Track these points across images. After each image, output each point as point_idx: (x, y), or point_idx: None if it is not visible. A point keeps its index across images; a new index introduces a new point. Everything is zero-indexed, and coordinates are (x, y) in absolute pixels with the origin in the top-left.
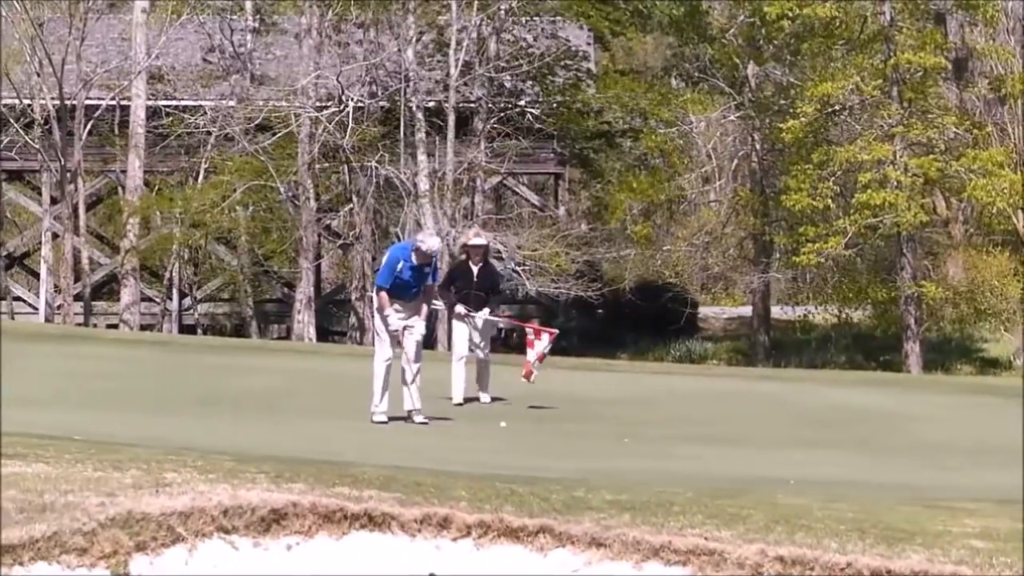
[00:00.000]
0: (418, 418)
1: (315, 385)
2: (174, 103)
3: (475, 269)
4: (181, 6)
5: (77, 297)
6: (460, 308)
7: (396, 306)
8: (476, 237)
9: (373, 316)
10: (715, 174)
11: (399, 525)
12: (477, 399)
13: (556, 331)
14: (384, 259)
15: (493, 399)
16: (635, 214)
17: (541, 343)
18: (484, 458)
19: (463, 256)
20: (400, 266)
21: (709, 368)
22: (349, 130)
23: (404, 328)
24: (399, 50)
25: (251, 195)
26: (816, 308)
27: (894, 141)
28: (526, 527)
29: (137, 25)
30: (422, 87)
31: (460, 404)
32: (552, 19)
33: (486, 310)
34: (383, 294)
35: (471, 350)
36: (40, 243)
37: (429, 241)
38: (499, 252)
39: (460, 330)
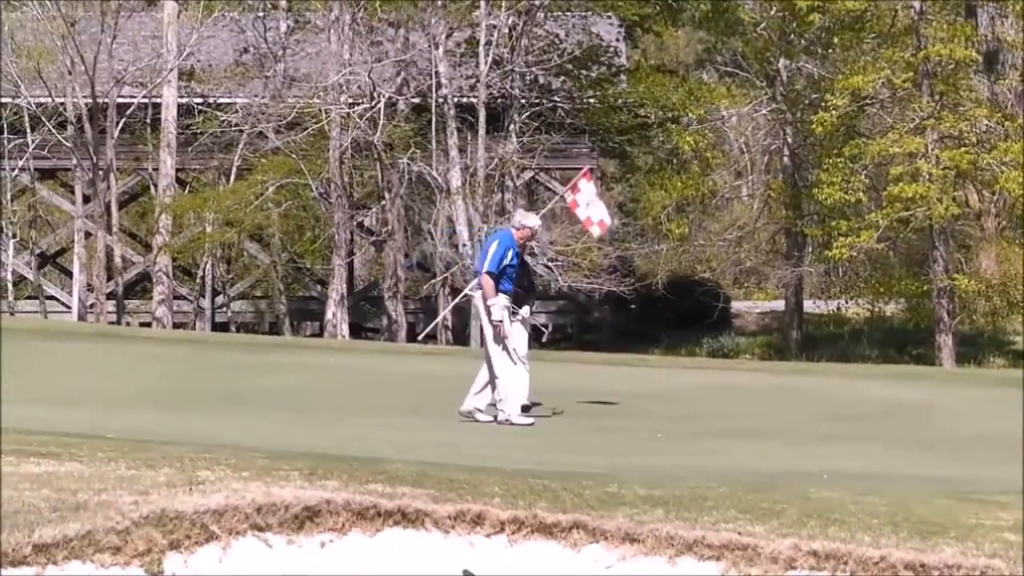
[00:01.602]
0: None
1: (349, 382)
2: (206, 100)
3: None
4: (213, 4)
5: (110, 295)
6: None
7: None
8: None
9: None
10: (747, 168)
11: (432, 522)
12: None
13: (585, 168)
14: (491, 246)
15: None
16: (669, 211)
17: (585, 191)
18: (518, 454)
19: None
20: (509, 253)
21: (742, 363)
22: (380, 126)
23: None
24: (430, 47)
25: (284, 193)
26: (848, 302)
27: (925, 134)
28: (559, 523)
29: (169, 23)
30: (454, 83)
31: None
32: (583, 14)
33: (526, 308)
34: (490, 279)
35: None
36: (73, 241)
37: (531, 217)
38: (532, 248)
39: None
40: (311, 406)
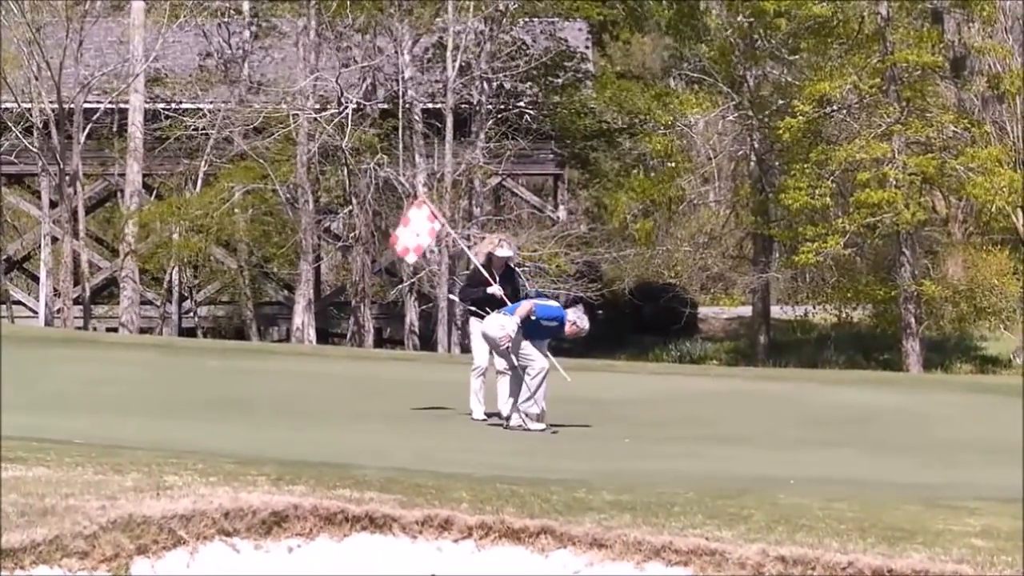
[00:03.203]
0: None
1: (319, 387)
2: (173, 106)
3: (497, 277)
4: (179, 9)
5: (77, 301)
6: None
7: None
8: (509, 248)
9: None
10: (714, 174)
11: (400, 527)
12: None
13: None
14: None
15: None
16: (635, 214)
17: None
18: (489, 459)
19: (486, 262)
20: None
21: (709, 368)
22: (348, 132)
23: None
24: (396, 52)
25: (250, 198)
26: (815, 307)
27: (892, 140)
28: (527, 528)
29: (135, 28)
30: (420, 89)
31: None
32: (551, 20)
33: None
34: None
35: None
36: (39, 247)
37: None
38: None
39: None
40: (282, 411)
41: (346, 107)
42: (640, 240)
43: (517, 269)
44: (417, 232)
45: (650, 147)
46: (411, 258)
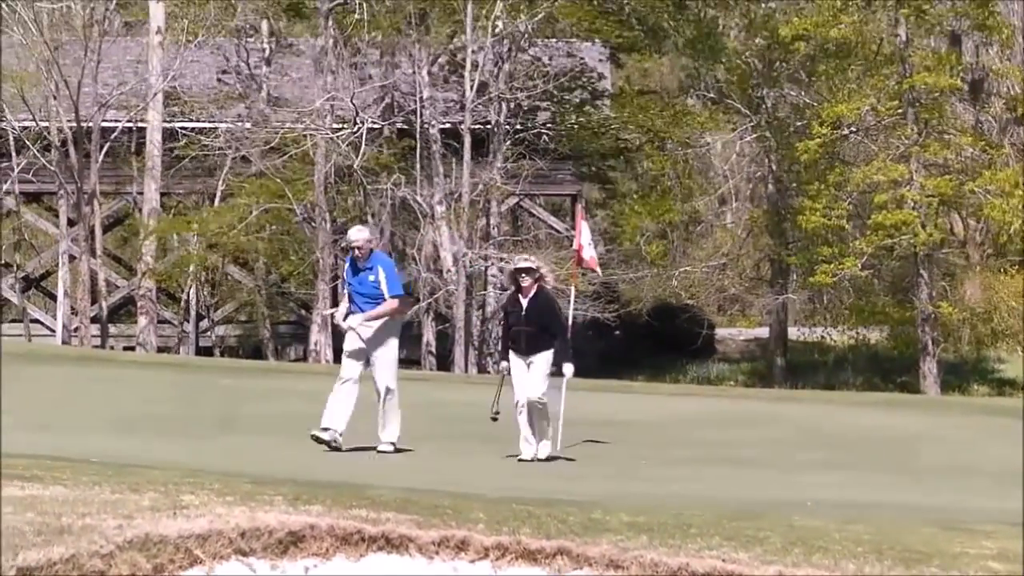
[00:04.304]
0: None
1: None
2: (190, 125)
3: (524, 302)
4: (196, 27)
5: (94, 319)
6: (503, 364)
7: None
8: (523, 260)
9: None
10: (731, 195)
11: (417, 547)
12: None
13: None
14: (390, 266)
15: (549, 458)
16: (651, 235)
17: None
18: (503, 481)
19: (511, 287)
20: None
21: (726, 390)
22: (362, 151)
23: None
24: (414, 71)
25: (267, 217)
26: (833, 329)
27: (910, 161)
28: (544, 549)
29: (153, 47)
30: (438, 108)
31: (531, 461)
32: (569, 40)
33: (544, 356)
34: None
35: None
36: (57, 265)
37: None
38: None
39: (514, 373)
40: (297, 431)
41: (360, 127)
42: (652, 260)
43: (550, 294)
44: (589, 242)
45: (658, 165)
46: (600, 270)
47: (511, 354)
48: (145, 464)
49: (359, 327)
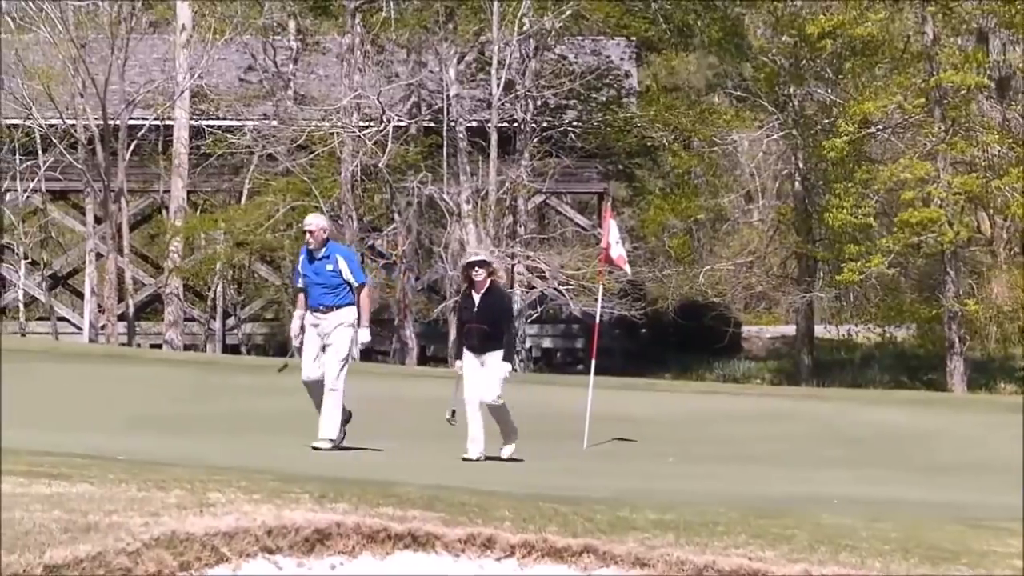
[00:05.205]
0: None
1: (361, 406)
2: (217, 123)
3: (477, 298)
4: (223, 25)
5: (121, 317)
6: (456, 364)
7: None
8: (475, 255)
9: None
10: (758, 193)
11: (443, 545)
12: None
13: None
14: (351, 255)
15: (511, 459)
16: (672, 229)
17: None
18: (528, 478)
19: (464, 283)
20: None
21: (752, 387)
22: (388, 149)
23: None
24: (441, 69)
25: (294, 215)
26: (859, 327)
27: (937, 159)
28: (570, 547)
29: (179, 45)
30: (464, 106)
31: (476, 460)
32: (595, 38)
33: (496, 356)
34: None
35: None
36: (84, 263)
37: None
38: (543, 272)
39: (466, 371)
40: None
41: (387, 125)
42: (675, 255)
43: (503, 288)
44: (617, 240)
45: (681, 162)
46: (628, 268)
47: (465, 352)
48: (171, 462)
49: (317, 321)
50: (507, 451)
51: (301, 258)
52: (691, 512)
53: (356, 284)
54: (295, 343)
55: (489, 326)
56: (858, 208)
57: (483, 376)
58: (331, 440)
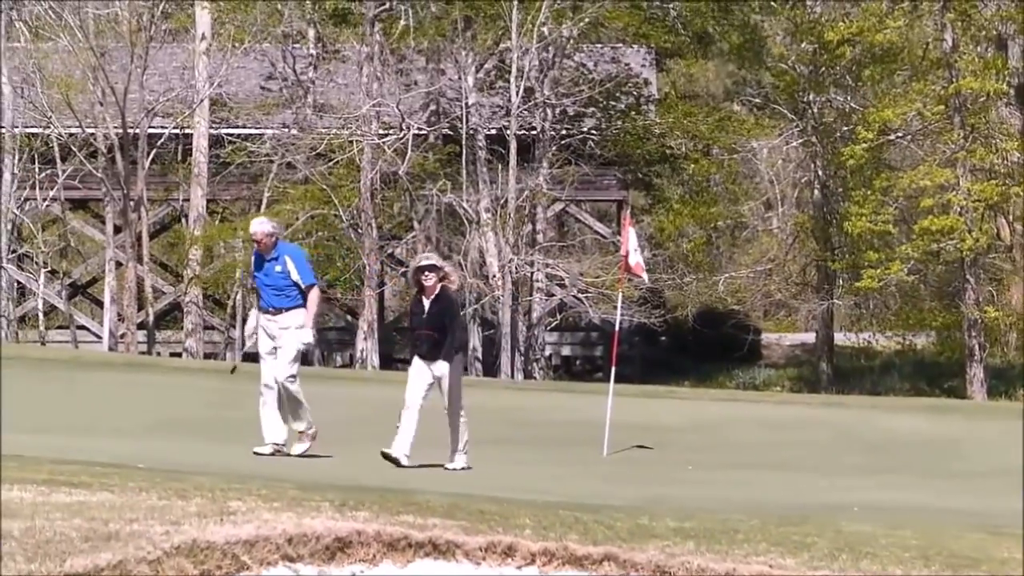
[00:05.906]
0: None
1: (381, 413)
2: (236, 131)
3: (426, 303)
4: (243, 34)
5: (140, 326)
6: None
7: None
8: (426, 258)
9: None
10: (777, 200)
11: (464, 553)
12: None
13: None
14: (300, 255)
15: (464, 469)
16: (696, 240)
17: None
18: (548, 485)
19: (415, 287)
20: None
21: (772, 395)
22: (407, 157)
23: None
24: (459, 77)
25: (313, 223)
26: (879, 335)
27: (956, 166)
28: (591, 555)
29: (199, 53)
30: (483, 114)
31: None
32: (613, 46)
33: (444, 364)
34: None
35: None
36: (103, 271)
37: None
38: (562, 279)
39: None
40: (343, 438)
41: (406, 133)
42: (693, 261)
43: (452, 293)
44: (636, 248)
45: (700, 170)
46: (646, 276)
47: (415, 359)
48: (192, 470)
49: (268, 323)
50: (460, 460)
51: (253, 259)
52: (711, 520)
53: (304, 285)
54: (248, 343)
55: (438, 333)
56: (877, 215)
57: (446, 392)
58: (306, 435)
